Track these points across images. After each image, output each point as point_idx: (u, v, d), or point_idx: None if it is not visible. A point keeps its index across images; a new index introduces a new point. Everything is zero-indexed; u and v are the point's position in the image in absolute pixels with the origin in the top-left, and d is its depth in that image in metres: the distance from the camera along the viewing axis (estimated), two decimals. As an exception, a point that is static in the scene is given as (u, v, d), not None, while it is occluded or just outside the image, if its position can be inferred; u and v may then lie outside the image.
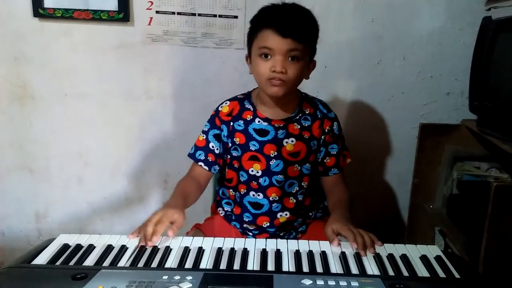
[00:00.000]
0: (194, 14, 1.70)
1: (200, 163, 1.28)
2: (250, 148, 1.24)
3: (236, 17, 1.70)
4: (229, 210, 1.34)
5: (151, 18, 1.70)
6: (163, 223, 1.03)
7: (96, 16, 1.68)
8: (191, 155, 1.30)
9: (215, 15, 1.70)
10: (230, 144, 1.27)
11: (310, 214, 1.34)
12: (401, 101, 1.78)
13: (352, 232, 1.02)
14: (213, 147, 1.28)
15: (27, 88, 1.77)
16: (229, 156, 1.28)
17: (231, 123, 1.26)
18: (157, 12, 1.69)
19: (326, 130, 1.28)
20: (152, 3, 1.68)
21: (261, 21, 1.15)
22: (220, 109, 1.29)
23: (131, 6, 1.68)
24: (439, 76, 1.75)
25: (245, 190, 1.27)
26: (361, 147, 1.74)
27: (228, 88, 1.55)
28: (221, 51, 1.73)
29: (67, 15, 1.68)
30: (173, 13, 1.69)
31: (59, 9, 1.67)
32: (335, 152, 1.30)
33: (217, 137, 1.28)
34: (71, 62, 1.74)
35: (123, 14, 1.68)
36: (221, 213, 1.35)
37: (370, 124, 1.81)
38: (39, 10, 1.67)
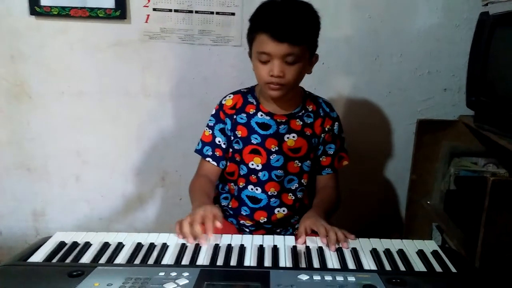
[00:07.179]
0: (191, 11, 1.69)
1: (208, 159, 1.27)
2: (252, 141, 1.24)
3: (233, 14, 1.69)
4: (226, 205, 1.33)
5: (148, 15, 1.69)
6: (209, 218, 1.01)
7: (93, 14, 1.67)
8: (199, 151, 1.29)
9: (212, 12, 1.69)
10: (232, 138, 1.27)
11: (308, 211, 1.34)
12: (398, 98, 1.78)
13: (324, 228, 1.03)
14: (219, 142, 1.27)
15: (24, 87, 1.77)
16: (231, 150, 1.28)
17: (234, 116, 1.26)
18: (154, 9, 1.69)
19: (327, 129, 1.28)
20: (149, 0, 1.68)
21: (258, 24, 1.13)
22: (223, 102, 1.29)
23: (128, 4, 1.68)
24: (437, 72, 1.75)
25: (244, 184, 1.27)
26: (358, 143, 1.74)
27: (226, 86, 1.54)
28: (218, 49, 1.73)
29: (64, 13, 1.67)
30: (170, 10, 1.69)
31: (55, 7, 1.66)
32: (332, 152, 1.30)
33: (223, 131, 1.28)
34: (68, 60, 1.74)
35: (120, 11, 1.67)
36: (218, 210, 1.35)
37: (368, 121, 1.81)
38: (36, 8, 1.66)
